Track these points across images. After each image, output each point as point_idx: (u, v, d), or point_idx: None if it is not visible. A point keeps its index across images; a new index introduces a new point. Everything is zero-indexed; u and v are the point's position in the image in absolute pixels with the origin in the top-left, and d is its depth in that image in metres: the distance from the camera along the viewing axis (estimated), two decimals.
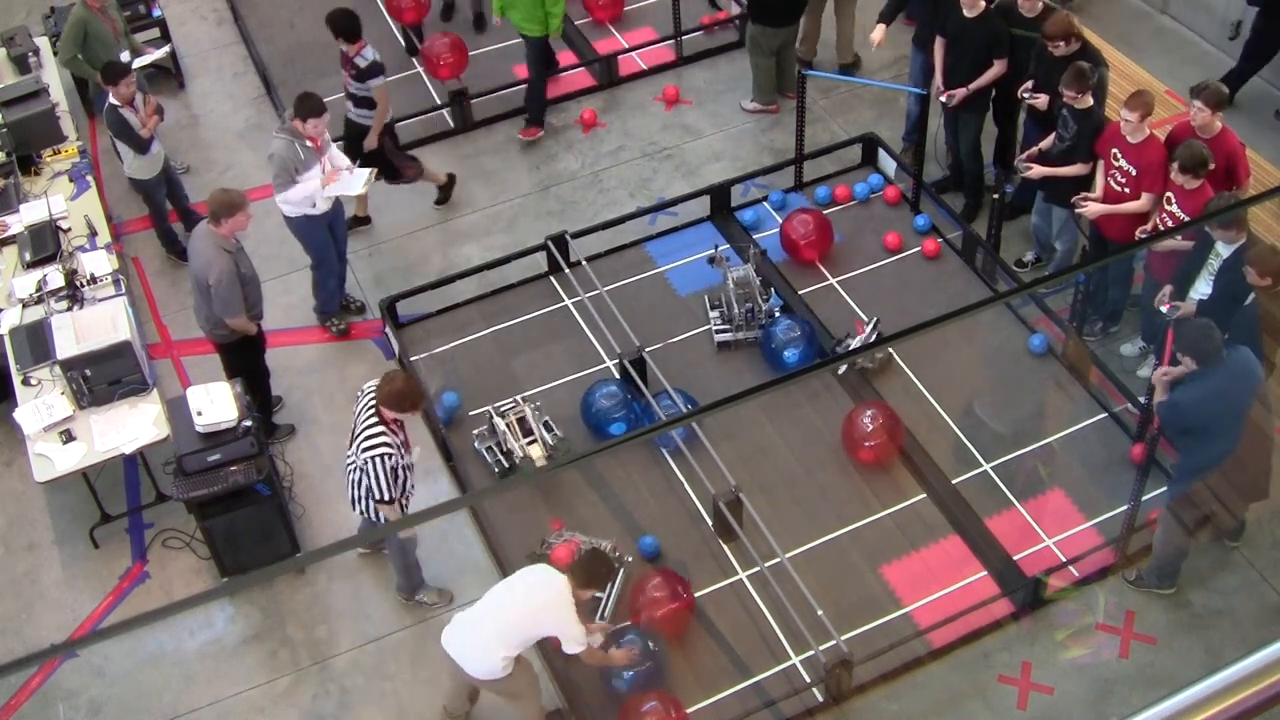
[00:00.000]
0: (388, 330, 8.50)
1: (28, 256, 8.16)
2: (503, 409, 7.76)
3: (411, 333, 8.55)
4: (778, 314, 8.24)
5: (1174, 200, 7.17)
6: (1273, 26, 9.23)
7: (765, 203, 9.27)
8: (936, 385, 8.00)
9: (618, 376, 8.02)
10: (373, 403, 6.34)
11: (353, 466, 6.46)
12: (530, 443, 7.56)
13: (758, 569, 7.02)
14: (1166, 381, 6.39)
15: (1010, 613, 6.93)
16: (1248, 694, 2.26)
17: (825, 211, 8.96)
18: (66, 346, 7.29)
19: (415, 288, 8.64)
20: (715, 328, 8.31)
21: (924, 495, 7.43)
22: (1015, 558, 7.11)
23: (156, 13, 10.58)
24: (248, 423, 6.89)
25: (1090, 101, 7.58)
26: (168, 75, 10.65)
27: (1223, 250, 6.82)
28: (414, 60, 10.69)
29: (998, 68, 8.34)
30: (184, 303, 8.55)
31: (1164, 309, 7.01)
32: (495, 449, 7.65)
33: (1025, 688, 6.64)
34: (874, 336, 8.13)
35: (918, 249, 8.84)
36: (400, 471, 6.39)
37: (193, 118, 10.47)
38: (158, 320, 8.85)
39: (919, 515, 7.35)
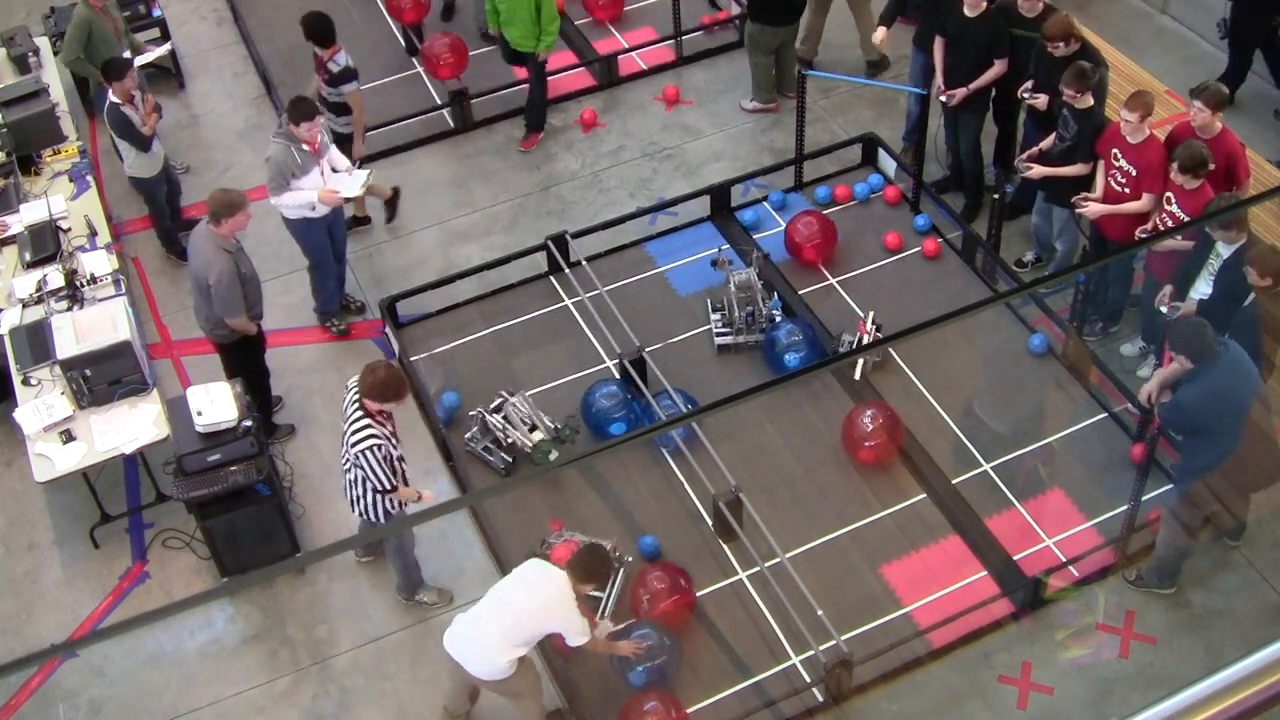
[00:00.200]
0: (388, 330, 8.50)
1: (28, 256, 8.17)
2: (493, 406, 7.75)
3: (411, 333, 8.55)
4: (778, 317, 8.24)
5: (1174, 200, 7.16)
6: (1251, 15, 9.22)
7: (765, 203, 9.27)
8: (936, 385, 8.00)
9: (618, 376, 8.01)
10: (356, 397, 6.32)
11: (348, 465, 6.44)
12: (532, 430, 7.56)
13: (758, 569, 7.02)
14: (1161, 383, 6.39)
15: (1010, 613, 6.93)
16: (1248, 694, 2.26)
17: (825, 212, 8.96)
18: (66, 346, 7.29)
19: (415, 288, 8.64)
20: (716, 331, 8.30)
21: (924, 495, 7.43)
22: (1015, 558, 7.11)
23: (156, 13, 10.57)
24: (248, 423, 6.89)
25: (1090, 101, 7.58)
26: (168, 75, 10.64)
27: (1223, 250, 6.82)
28: (414, 60, 10.69)
29: (998, 67, 8.33)
30: (184, 303, 8.54)
31: (1164, 309, 7.02)
32: (494, 447, 7.65)
33: (1025, 688, 6.64)
34: (874, 331, 8.12)
35: (918, 249, 8.84)
36: (394, 462, 6.39)
37: (193, 118, 10.47)
38: (158, 320, 8.85)
39: (919, 515, 7.35)
